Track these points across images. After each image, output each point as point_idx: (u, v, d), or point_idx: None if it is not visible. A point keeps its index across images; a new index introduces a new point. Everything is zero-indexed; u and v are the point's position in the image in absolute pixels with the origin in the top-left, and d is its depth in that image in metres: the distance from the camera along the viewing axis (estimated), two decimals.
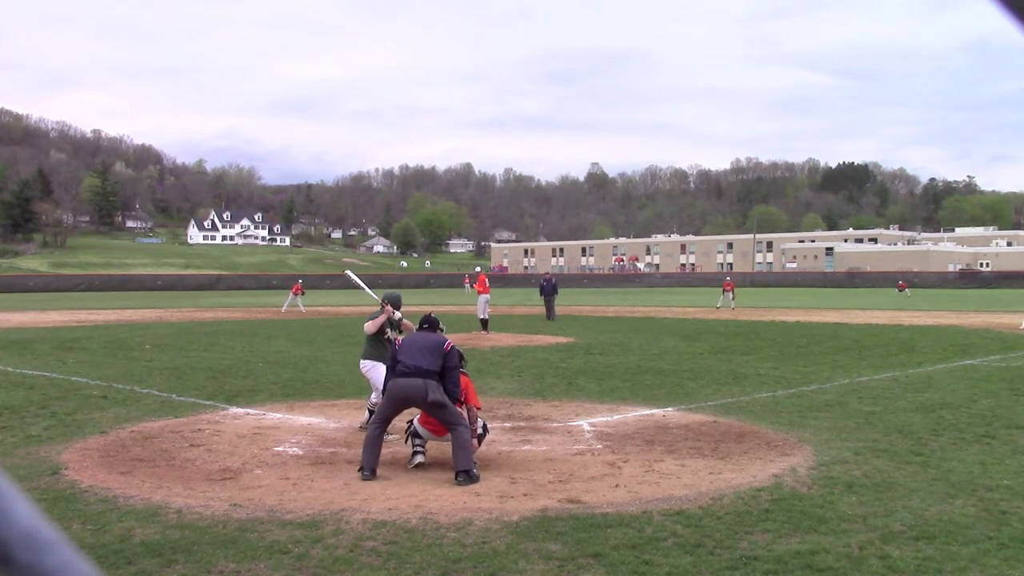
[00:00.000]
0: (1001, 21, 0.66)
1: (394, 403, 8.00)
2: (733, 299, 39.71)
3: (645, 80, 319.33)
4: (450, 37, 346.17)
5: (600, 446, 8.95)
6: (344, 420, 10.59)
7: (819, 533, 5.85)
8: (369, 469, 7.65)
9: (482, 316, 24.72)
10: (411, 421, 8.35)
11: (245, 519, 6.23)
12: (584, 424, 10.26)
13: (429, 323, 8.54)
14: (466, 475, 7.47)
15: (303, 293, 39.79)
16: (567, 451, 8.73)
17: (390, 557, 5.42)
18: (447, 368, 7.94)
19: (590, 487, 7.18)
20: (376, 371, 9.74)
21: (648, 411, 11.20)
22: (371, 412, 8.98)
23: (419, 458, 8.16)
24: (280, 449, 8.82)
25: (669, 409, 11.32)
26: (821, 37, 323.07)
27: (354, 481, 7.44)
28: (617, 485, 7.26)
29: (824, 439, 9.08)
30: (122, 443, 9.08)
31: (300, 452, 8.68)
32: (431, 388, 7.76)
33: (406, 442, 8.46)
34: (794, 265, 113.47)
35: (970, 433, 9.39)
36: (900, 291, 60.86)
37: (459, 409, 8.01)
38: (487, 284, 25.74)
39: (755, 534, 5.84)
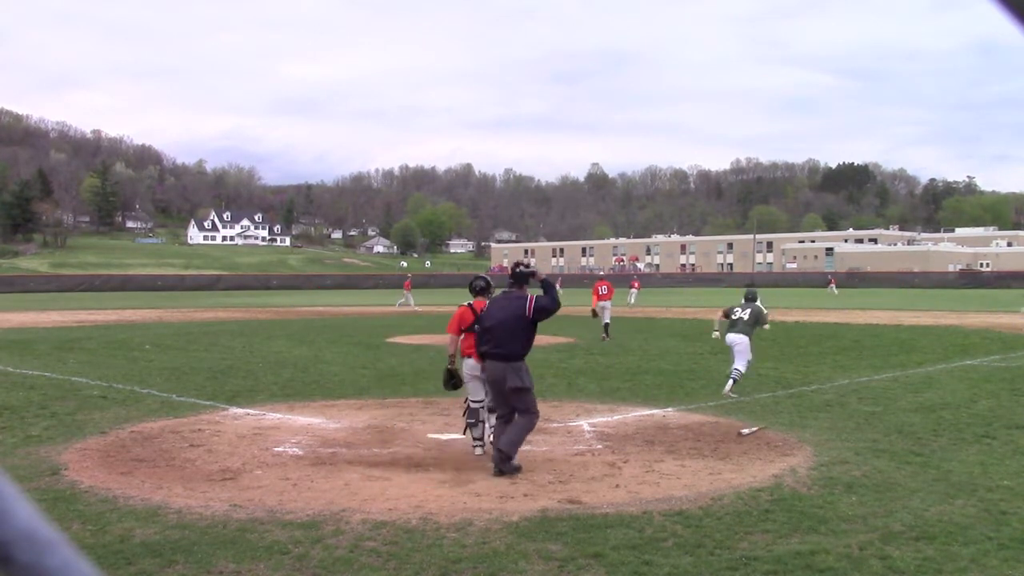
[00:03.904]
0: (1004, 22, 0.66)
1: (489, 386, 7.98)
2: (633, 299, 41.40)
3: (646, 80, 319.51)
4: (453, 37, 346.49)
5: (600, 446, 8.95)
6: (344, 420, 10.59)
7: (819, 533, 5.85)
8: (501, 453, 7.62)
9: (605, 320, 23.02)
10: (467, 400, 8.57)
11: (245, 519, 6.22)
12: (584, 424, 10.26)
13: (516, 280, 8.15)
14: (501, 455, 7.52)
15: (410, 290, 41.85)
16: (567, 451, 8.73)
17: (390, 557, 5.42)
18: (541, 317, 7.89)
19: (590, 487, 7.18)
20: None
21: (648, 411, 11.20)
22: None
23: (479, 450, 8.37)
24: (280, 449, 8.82)
25: (669, 409, 11.31)
26: (823, 37, 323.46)
27: (354, 481, 7.44)
28: (617, 485, 7.26)
29: (824, 439, 9.08)
30: (122, 443, 9.08)
31: (300, 452, 8.68)
32: (510, 375, 7.74)
33: (464, 432, 8.70)
34: (794, 265, 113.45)
35: (970, 433, 9.39)
36: (829, 287, 67.15)
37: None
38: (601, 292, 23.10)
39: (755, 534, 5.84)
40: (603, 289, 23.23)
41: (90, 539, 5.75)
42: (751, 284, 26.82)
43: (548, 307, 7.90)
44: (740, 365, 12.22)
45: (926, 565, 5.22)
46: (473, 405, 8.58)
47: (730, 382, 12.17)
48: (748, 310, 12.50)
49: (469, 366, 8.63)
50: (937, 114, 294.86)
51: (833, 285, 69.32)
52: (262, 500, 6.78)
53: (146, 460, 8.28)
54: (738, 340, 12.29)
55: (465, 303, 8.95)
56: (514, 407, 7.89)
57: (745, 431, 9.12)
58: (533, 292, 8.11)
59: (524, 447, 8.91)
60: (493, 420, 8.48)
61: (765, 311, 12.84)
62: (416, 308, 39.68)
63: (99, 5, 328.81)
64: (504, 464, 7.54)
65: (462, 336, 8.77)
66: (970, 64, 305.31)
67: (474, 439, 8.58)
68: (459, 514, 6.35)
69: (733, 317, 12.57)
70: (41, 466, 7.93)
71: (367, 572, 5.19)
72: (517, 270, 8.21)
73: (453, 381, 8.84)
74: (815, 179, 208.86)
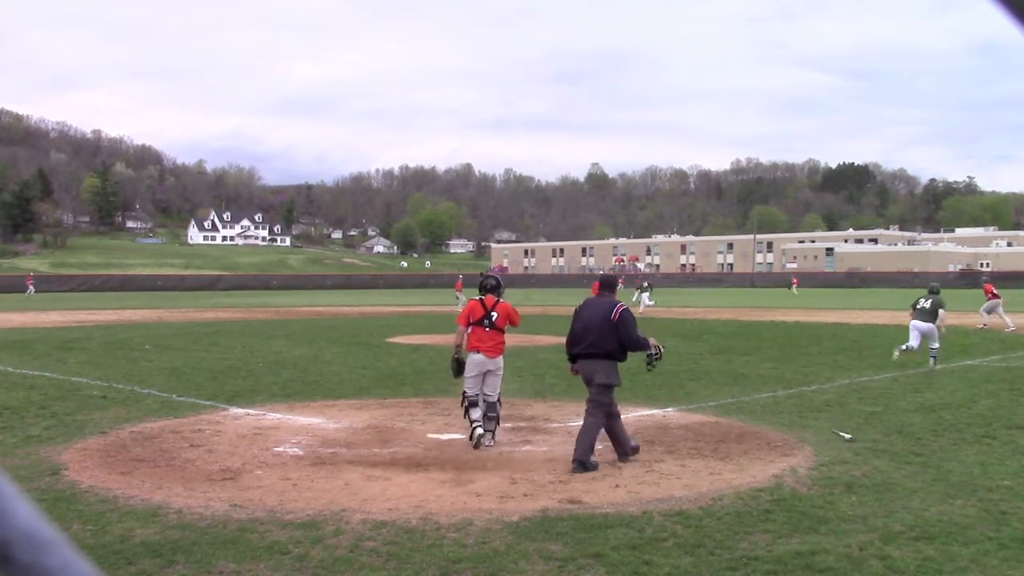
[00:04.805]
0: (1005, 22, 0.66)
1: (585, 384, 8.05)
2: (636, 298, 41.99)
3: (646, 80, 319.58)
4: (453, 37, 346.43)
5: (600, 446, 8.93)
6: (344, 420, 10.59)
7: (819, 533, 5.84)
8: (577, 461, 7.69)
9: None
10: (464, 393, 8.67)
11: (245, 519, 6.22)
12: None
13: (608, 285, 8.47)
14: (579, 464, 7.64)
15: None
16: (567, 451, 8.70)
17: (390, 557, 5.42)
18: (621, 337, 7.94)
19: (590, 487, 7.18)
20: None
21: (648, 411, 11.19)
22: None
23: (479, 429, 8.52)
24: (280, 449, 8.82)
25: (669, 409, 11.31)
26: (823, 37, 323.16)
27: (354, 481, 7.43)
28: (617, 485, 7.26)
29: (824, 439, 9.08)
30: (122, 443, 9.08)
31: (300, 452, 8.67)
32: (602, 371, 7.90)
33: (464, 417, 8.77)
34: (794, 265, 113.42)
35: (970, 433, 9.39)
36: (792, 287, 71.07)
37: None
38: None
39: (755, 534, 5.84)
40: None
41: (90, 539, 5.75)
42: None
43: (630, 330, 7.97)
44: (933, 344, 15.16)
45: (926, 565, 5.22)
46: (469, 396, 8.75)
47: (899, 350, 15.26)
48: (931, 300, 15.53)
49: (474, 361, 8.74)
50: (937, 114, 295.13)
51: (795, 285, 72.76)
52: (262, 500, 6.78)
53: (146, 460, 8.27)
54: (922, 326, 15.25)
55: (476, 297, 9.06)
56: (589, 399, 8.04)
57: (847, 436, 9.12)
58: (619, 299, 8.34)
59: (524, 447, 8.92)
60: (476, 414, 8.64)
61: (945, 305, 15.58)
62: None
63: (99, 5, 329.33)
64: (587, 469, 7.66)
65: (469, 328, 8.84)
66: (971, 64, 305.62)
67: (472, 421, 8.71)
68: (459, 514, 6.35)
69: (918, 307, 15.53)
70: (41, 466, 7.93)
71: (367, 572, 5.19)
72: (648, 357, 8.44)
73: (460, 369, 9.03)
74: (815, 179, 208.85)
